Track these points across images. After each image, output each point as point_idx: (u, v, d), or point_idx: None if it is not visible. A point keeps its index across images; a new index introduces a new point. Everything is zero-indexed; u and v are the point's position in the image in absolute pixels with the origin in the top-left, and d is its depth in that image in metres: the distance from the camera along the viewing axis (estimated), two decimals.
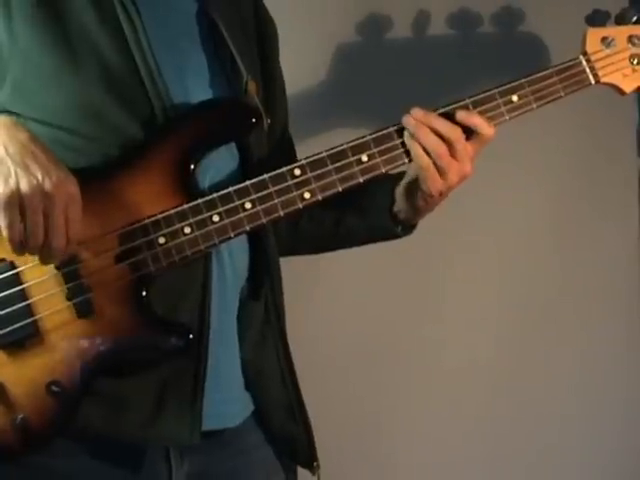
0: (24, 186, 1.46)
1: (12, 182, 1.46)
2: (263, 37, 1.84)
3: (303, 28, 2.31)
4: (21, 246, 1.47)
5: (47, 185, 1.46)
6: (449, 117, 1.67)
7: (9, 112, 1.59)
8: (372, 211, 1.79)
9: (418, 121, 1.65)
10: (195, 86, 1.68)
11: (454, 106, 1.69)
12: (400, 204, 1.76)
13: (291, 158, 1.84)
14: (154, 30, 1.65)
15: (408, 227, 1.80)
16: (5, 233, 1.46)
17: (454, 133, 1.65)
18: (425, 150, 1.65)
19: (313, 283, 2.40)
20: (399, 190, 1.75)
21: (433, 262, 2.46)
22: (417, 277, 2.48)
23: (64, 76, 1.59)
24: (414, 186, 1.71)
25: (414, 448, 2.51)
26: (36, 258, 1.52)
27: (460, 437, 2.50)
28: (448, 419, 2.50)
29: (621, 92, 1.77)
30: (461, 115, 1.67)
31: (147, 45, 1.62)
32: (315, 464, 1.76)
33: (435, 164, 1.66)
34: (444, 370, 2.49)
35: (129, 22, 1.62)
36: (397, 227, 1.79)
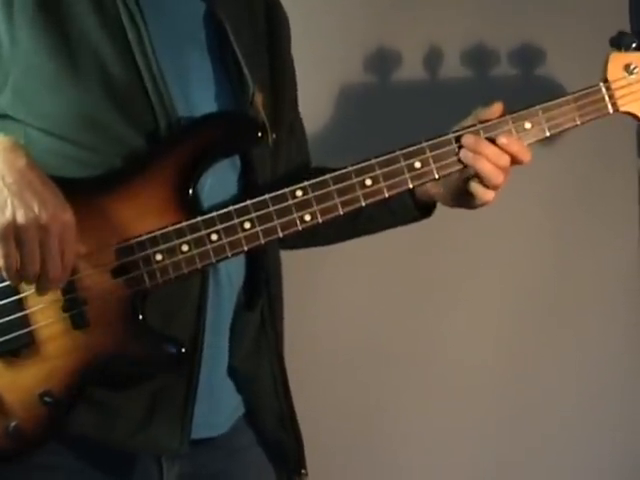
0: (20, 217, 1.46)
1: (8, 213, 1.46)
2: (275, 36, 1.80)
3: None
4: (17, 276, 1.49)
5: (43, 217, 1.46)
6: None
7: (11, 118, 1.59)
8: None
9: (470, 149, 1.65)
10: (200, 96, 1.66)
11: (465, 131, 1.66)
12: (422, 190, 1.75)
13: (303, 158, 1.83)
14: (159, 37, 1.62)
15: (425, 210, 1.80)
16: (1, 263, 1.47)
17: (504, 160, 1.65)
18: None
19: (313, 284, 2.40)
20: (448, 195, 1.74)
21: (434, 267, 2.46)
22: (418, 281, 2.48)
23: (64, 82, 1.57)
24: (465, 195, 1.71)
25: (414, 453, 2.54)
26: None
27: (460, 439, 2.52)
28: (448, 423, 2.52)
29: (639, 120, 1.72)
30: (502, 141, 1.65)
31: (152, 53, 1.60)
32: (303, 471, 1.78)
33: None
34: (445, 375, 2.50)
35: (134, 28, 1.59)
36: (415, 209, 1.78)
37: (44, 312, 1.56)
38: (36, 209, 1.47)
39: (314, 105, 2.23)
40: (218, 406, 1.71)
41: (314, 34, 2.32)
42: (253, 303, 1.73)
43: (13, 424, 1.56)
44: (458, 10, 2.35)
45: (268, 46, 1.77)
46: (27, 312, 1.56)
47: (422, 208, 1.80)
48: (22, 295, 1.56)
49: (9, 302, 1.56)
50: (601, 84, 1.69)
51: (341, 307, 2.47)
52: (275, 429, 1.77)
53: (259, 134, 1.63)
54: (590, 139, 2.43)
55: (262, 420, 1.77)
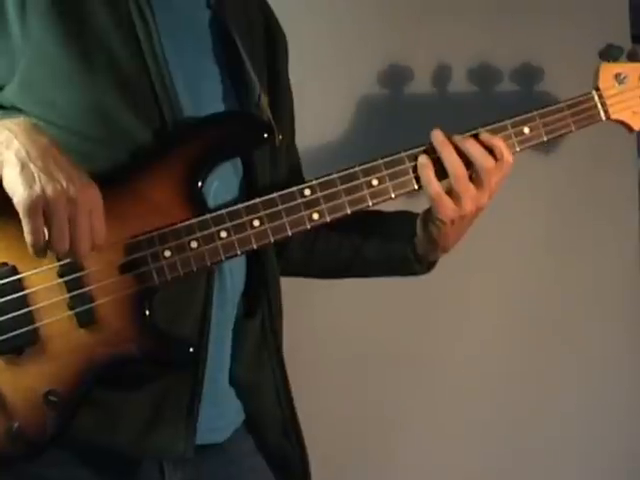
0: (49, 192, 1.42)
1: (37, 187, 1.42)
2: (273, 48, 1.82)
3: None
4: (44, 251, 1.44)
5: (71, 191, 1.43)
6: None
7: (18, 110, 1.56)
8: (393, 239, 1.77)
9: (447, 139, 1.65)
10: (206, 95, 1.67)
11: (467, 134, 1.69)
12: (419, 235, 1.74)
13: (296, 172, 1.84)
14: (168, 37, 1.63)
15: (425, 264, 1.78)
16: (29, 239, 1.42)
17: (487, 160, 1.64)
18: (437, 176, 1.65)
19: (315, 290, 2.39)
20: (419, 220, 1.74)
21: (435, 270, 2.46)
22: (419, 286, 2.44)
23: (74, 75, 1.56)
24: (429, 214, 1.70)
25: (417, 460, 2.52)
26: (40, 264, 1.50)
27: (463, 443, 2.51)
28: (451, 427, 2.51)
29: (630, 129, 1.78)
30: (484, 136, 1.67)
31: (160, 51, 1.60)
32: None
33: (450, 188, 1.65)
34: (448, 382, 2.50)
35: (144, 26, 1.60)
36: (415, 262, 1.77)
37: (49, 309, 1.52)
38: (64, 183, 1.43)
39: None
40: (222, 411, 1.69)
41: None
42: (253, 311, 1.72)
43: (16, 425, 1.51)
44: (465, 29, 2.41)
45: (268, 65, 1.79)
46: (32, 309, 1.52)
47: (419, 260, 1.78)
48: (27, 292, 1.52)
49: (13, 299, 1.51)
50: (593, 92, 1.75)
51: (341, 315, 2.45)
52: (278, 437, 1.76)
53: (265, 134, 1.64)
54: (590, 140, 2.45)
55: (264, 428, 1.75)
